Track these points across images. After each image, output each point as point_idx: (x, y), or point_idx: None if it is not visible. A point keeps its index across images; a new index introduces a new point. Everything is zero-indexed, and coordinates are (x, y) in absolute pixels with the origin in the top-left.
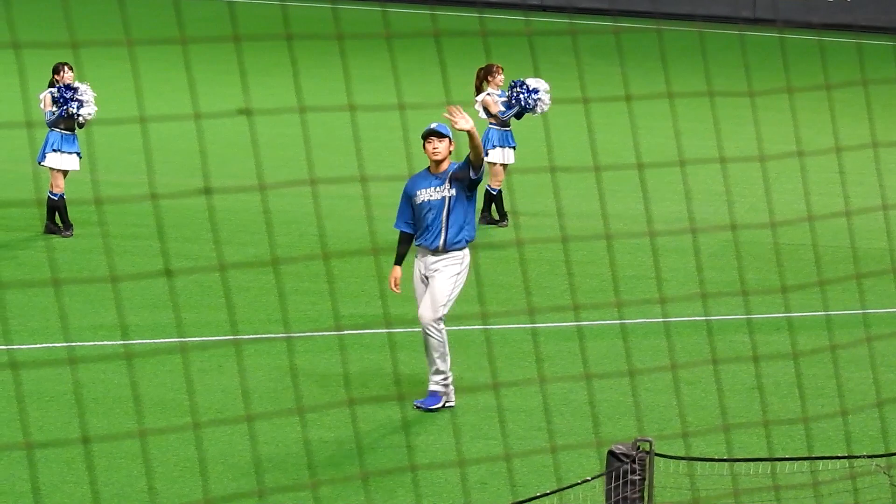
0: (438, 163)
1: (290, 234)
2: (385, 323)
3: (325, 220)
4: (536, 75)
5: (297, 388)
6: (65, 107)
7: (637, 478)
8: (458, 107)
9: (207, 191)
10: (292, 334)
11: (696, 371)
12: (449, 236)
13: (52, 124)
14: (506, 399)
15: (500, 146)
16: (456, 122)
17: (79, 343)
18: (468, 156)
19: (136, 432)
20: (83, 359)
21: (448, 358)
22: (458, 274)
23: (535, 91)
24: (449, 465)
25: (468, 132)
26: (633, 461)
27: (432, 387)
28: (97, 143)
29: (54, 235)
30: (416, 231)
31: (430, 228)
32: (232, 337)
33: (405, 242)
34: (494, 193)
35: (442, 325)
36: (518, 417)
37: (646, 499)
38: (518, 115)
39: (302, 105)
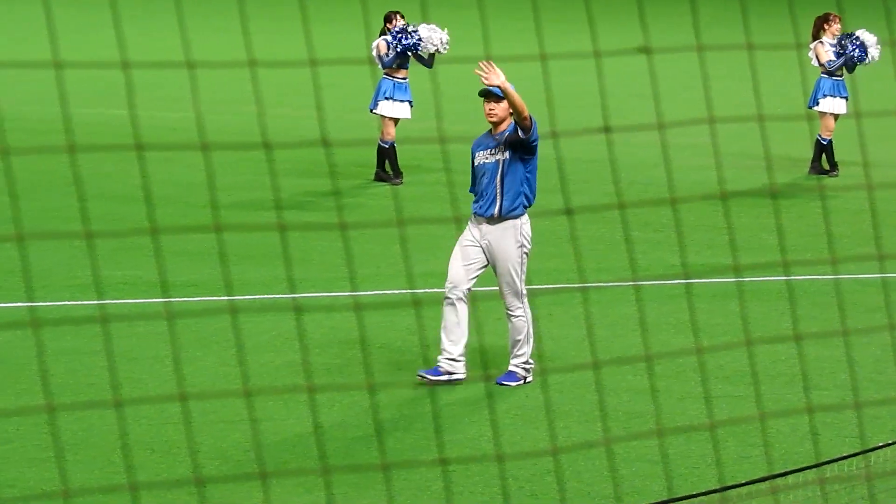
0: (496, 125)
1: (615, 183)
2: (733, 270)
3: (654, 169)
4: (869, 23)
5: (644, 336)
6: (406, 46)
7: None
8: (490, 62)
9: None
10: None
11: None
12: (504, 204)
13: (387, 70)
14: (836, 350)
15: (831, 96)
16: (485, 78)
17: (420, 290)
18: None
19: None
20: (423, 303)
21: (532, 341)
22: (522, 246)
23: (863, 44)
24: (780, 415)
25: (501, 88)
26: None
27: (511, 368)
28: (430, 91)
29: (385, 183)
30: None
31: (484, 194)
32: (563, 285)
33: None
34: (825, 143)
35: (527, 307)
36: (850, 368)
37: None
38: (849, 68)
39: (597, 50)
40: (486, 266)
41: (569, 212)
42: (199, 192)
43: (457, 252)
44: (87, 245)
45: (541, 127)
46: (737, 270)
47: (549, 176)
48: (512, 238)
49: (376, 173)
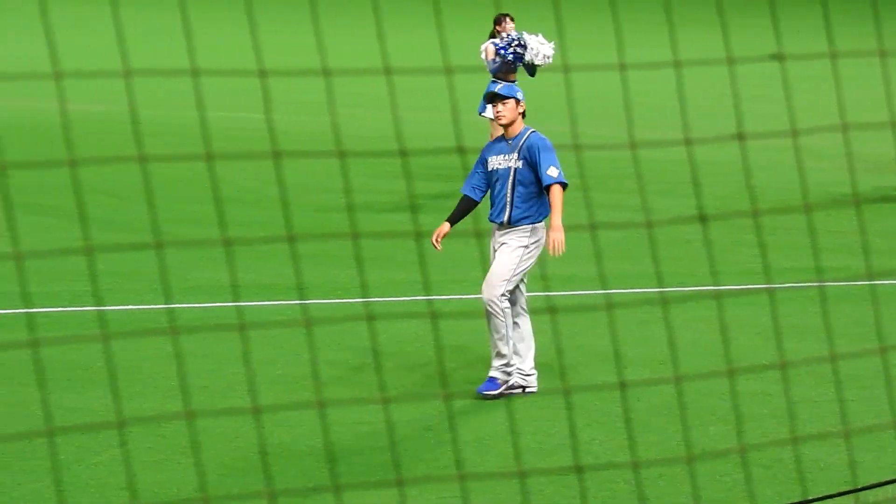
0: (505, 127)
1: (725, 186)
2: (870, 275)
3: (762, 172)
4: None
5: (725, 342)
6: (508, 56)
7: None
8: (558, 247)
9: (633, 145)
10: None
11: None
12: (515, 211)
13: (495, 74)
14: None
15: None
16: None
17: (554, 293)
18: (548, 193)
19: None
20: (558, 308)
21: (511, 343)
22: (525, 247)
23: None
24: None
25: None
26: None
27: (492, 372)
28: (538, 94)
29: None
30: (480, 198)
31: (496, 200)
32: (656, 290)
33: (464, 204)
34: None
35: (504, 303)
36: None
37: None
38: None
39: (730, 56)
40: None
41: (702, 218)
42: (307, 194)
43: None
44: (226, 251)
45: (674, 132)
46: (870, 275)
47: (666, 178)
48: (519, 238)
49: None
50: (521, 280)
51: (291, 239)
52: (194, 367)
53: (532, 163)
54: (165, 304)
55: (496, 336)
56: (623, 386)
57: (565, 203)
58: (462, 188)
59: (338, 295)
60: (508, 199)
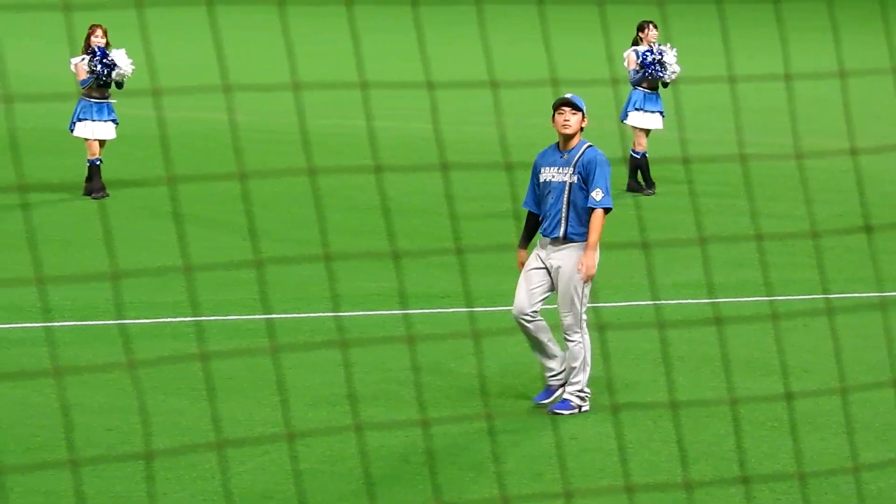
0: (567, 138)
1: (879, 193)
2: None
3: None
4: None
5: (891, 352)
6: (649, 70)
7: None
8: (588, 273)
9: (799, 155)
10: (879, 294)
11: None
12: (570, 226)
13: (635, 84)
14: None
15: None
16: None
17: (664, 301)
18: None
19: (723, 393)
20: (669, 317)
21: (588, 368)
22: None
23: None
24: None
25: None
26: None
27: (566, 396)
28: (682, 101)
29: (636, 193)
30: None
31: (549, 213)
32: (821, 296)
33: (531, 222)
34: None
35: (584, 330)
36: None
37: None
38: None
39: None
40: (551, 290)
41: (868, 228)
42: (463, 203)
43: (521, 277)
44: (395, 262)
45: (840, 141)
46: None
47: (825, 186)
48: (576, 259)
49: (628, 184)
50: (544, 294)
51: (460, 250)
52: (341, 376)
53: (587, 179)
54: (334, 311)
55: (574, 363)
56: (789, 396)
57: (724, 212)
58: (524, 203)
59: (503, 303)
60: (563, 215)
